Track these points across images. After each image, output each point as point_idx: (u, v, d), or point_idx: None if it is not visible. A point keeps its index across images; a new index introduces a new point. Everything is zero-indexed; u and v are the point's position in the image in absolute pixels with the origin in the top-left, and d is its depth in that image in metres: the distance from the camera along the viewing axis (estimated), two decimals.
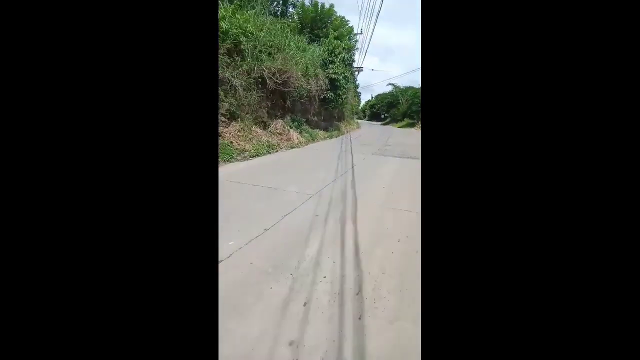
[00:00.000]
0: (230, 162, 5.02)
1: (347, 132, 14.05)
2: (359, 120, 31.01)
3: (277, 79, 6.78)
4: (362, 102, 50.45)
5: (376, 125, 27.84)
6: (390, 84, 42.42)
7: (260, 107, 6.56)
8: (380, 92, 49.57)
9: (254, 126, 6.36)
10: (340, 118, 15.11)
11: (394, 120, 31.31)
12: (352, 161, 5.60)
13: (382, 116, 38.16)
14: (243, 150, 5.55)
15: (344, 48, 11.21)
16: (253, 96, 6.20)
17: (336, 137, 11.21)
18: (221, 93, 5.46)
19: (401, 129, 23.69)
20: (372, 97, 47.91)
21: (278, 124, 7.39)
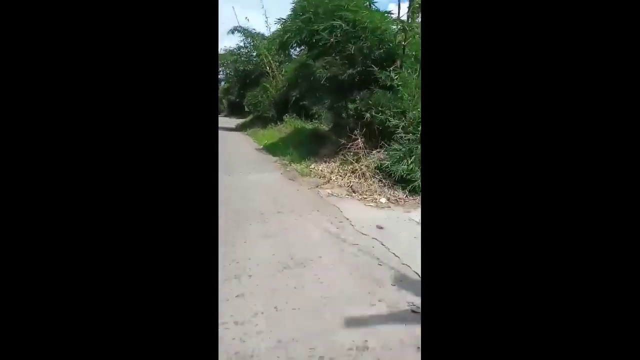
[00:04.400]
0: None
1: None
2: None
3: None
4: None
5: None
6: (237, 28, 12.70)
7: None
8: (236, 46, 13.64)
9: None
10: None
11: (261, 118, 11.15)
12: None
13: (247, 108, 13.30)
14: None
15: None
16: None
17: None
18: None
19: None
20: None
21: None
